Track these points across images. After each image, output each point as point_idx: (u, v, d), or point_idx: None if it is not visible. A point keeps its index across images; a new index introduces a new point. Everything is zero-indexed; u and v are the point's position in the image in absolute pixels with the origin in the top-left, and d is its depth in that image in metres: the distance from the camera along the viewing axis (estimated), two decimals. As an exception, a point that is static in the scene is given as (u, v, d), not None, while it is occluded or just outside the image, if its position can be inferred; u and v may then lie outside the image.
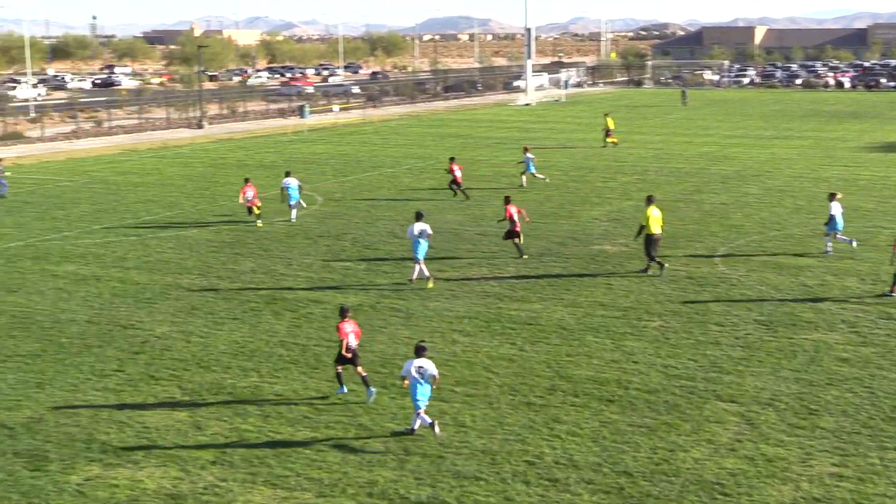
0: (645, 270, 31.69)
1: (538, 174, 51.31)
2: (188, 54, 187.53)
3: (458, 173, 46.33)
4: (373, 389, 21.06)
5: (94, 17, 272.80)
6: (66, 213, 44.18)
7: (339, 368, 21.25)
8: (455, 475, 17.62)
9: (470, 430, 19.56)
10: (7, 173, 47.16)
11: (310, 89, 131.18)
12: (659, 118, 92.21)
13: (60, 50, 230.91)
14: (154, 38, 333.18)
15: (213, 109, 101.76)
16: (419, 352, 19.22)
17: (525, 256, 33.97)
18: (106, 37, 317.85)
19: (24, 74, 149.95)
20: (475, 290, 29.91)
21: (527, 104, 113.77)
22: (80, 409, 20.62)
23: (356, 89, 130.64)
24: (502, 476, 17.59)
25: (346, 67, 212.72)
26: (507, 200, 34.38)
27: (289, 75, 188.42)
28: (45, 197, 48.96)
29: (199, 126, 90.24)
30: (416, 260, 30.51)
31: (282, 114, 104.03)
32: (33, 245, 37.27)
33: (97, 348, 24.70)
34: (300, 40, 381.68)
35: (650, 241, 31.32)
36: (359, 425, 19.78)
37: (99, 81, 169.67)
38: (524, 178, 50.47)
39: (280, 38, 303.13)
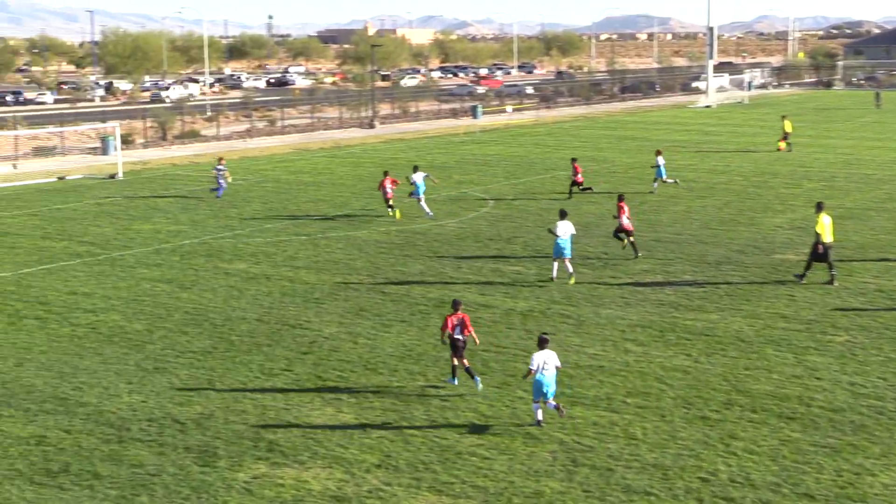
0: (801, 277, 30.97)
1: (668, 178, 50.37)
2: (361, 53, 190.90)
3: (579, 175, 47.98)
4: (479, 379, 22.01)
5: (271, 17, 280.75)
6: (239, 212, 45.59)
7: (455, 361, 22.01)
8: (625, 489, 17.39)
9: (641, 443, 19.30)
10: (225, 173, 48.92)
11: (482, 89, 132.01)
12: (849, 121, 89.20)
13: (237, 49, 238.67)
14: (328, 38, 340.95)
15: (384, 109, 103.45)
16: (542, 344, 20.10)
17: (640, 255, 34.51)
18: (281, 36, 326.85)
19: (203, 74, 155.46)
20: (649, 298, 29.52)
21: (707, 106, 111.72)
22: (248, 407, 21.21)
23: (529, 90, 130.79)
24: (674, 492, 17.28)
25: (519, 67, 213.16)
26: (621, 198, 35.12)
27: (471, 74, 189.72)
28: (227, 193, 50.61)
29: (371, 126, 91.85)
30: (559, 258, 31.55)
31: (454, 114, 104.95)
32: (207, 243, 38.58)
33: (266, 347, 25.38)
34: (474, 39, 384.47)
35: (820, 250, 30.58)
36: (526, 434, 19.74)
37: (273, 81, 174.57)
38: (656, 183, 49.62)
39: (454, 37, 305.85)
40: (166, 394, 22.05)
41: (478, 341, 22.93)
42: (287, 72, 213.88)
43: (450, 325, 21.96)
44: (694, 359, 24.14)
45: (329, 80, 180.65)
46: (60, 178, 57.39)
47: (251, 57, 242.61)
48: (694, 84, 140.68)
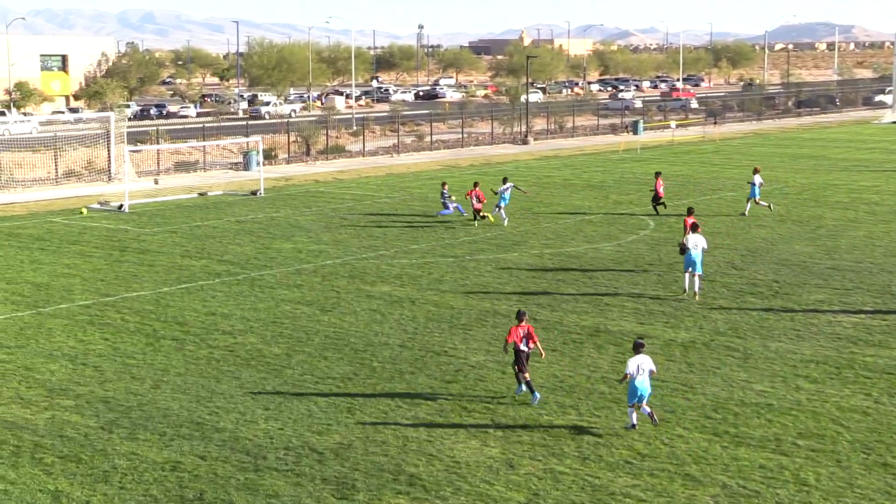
0: None
1: (762, 201, 49.72)
2: (515, 65, 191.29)
3: (660, 189, 49.28)
4: (538, 395, 23.28)
5: (421, 27, 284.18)
6: (384, 232, 46.14)
7: (525, 376, 23.40)
8: (794, 540, 16.92)
9: (814, 489, 18.76)
10: (451, 197, 49.86)
11: (638, 103, 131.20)
12: None
13: (385, 60, 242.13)
14: (480, 48, 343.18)
15: (539, 124, 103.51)
16: (637, 348, 21.91)
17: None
18: (431, 47, 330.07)
19: (349, 86, 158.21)
20: (824, 331, 28.75)
21: (893, 122, 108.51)
22: (389, 438, 21.36)
23: (694, 103, 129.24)
24: (850, 546, 16.73)
25: (685, 80, 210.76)
26: (689, 212, 36.93)
27: (633, 87, 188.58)
28: (363, 214, 51.38)
29: (524, 142, 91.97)
30: (690, 272, 33.05)
31: (613, 130, 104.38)
32: (350, 263, 39.14)
33: (409, 375, 25.55)
34: (636, 50, 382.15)
35: None
36: (685, 475, 19.40)
37: (422, 93, 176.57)
38: (748, 204, 49.19)
39: (614, 47, 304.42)
40: (304, 421, 22.39)
41: (543, 354, 24.19)
42: (437, 84, 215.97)
43: (515, 335, 23.32)
44: (874, 399, 23.38)
45: (481, 92, 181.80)
46: (201, 194, 59.02)
47: (400, 68, 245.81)
48: (878, 98, 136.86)
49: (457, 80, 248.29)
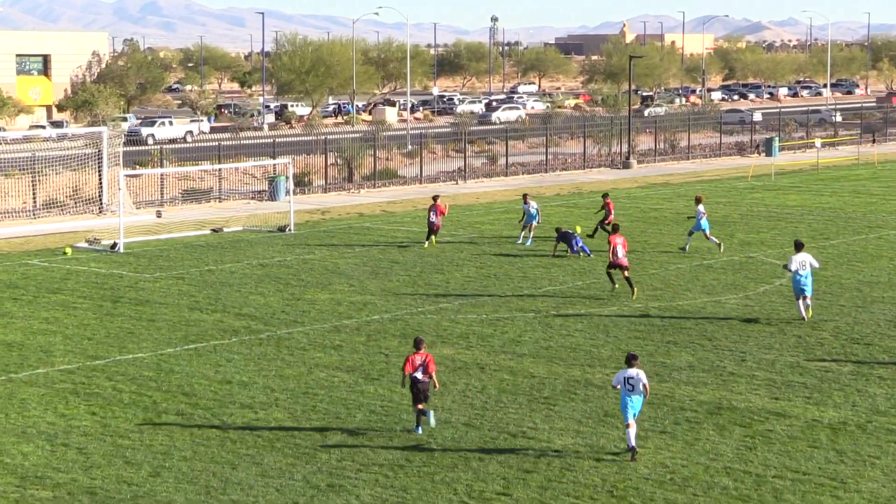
0: None
1: (711, 236, 51.83)
2: (615, 67, 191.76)
3: (611, 215, 54.07)
4: (422, 427, 26.96)
5: (495, 20, 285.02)
6: (446, 278, 46.22)
7: (417, 407, 27.01)
8: None
9: None
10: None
11: (758, 116, 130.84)
12: None
13: (450, 62, 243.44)
14: (570, 46, 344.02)
15: (644, 143, 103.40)
16: (630, 361, 25.81)
17: (636, 293, 41.56)
18: (508, 44, 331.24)
19: (403, 94, 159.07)
20: None
21: None
22: (450, 543, 21.30)
23: (838, 117, 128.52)
24: None
25: (834, 85, 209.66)
26: (615, 230, 43.03)
27: (764, 94, 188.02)
28: (419, 255, 51.51)
29: (626, 165, 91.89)
30: (799, 296, 37.37)
31: (740, 150, 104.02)
32: (402, 319, 39.19)
33: (476, 461, 25.49)
34: (770, 48, 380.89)
35: None
36: None
37: (496, 103, 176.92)
38: (689, 237, 52.41)
39: (742, 44, 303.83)
40: (342, 520, 22.40)
41: (437, 385, 27.73)
42: (514, 91, 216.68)
43: (412, 365, 26.86)
44: None
45: (570, 102, 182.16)
46: (215, 231, 59.49)
47: (467, 72, 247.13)
48: None
49: (540, 86, 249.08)
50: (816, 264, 37.71)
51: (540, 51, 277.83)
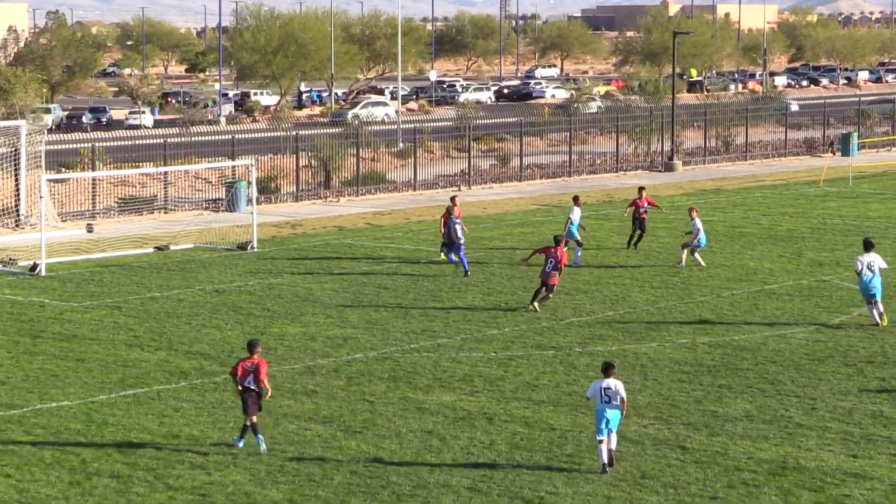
0: None
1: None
2: (655, 46, 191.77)
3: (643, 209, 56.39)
4: (261, 437, 29.87)
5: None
6: (446, 310, 46.15)
7: (251, 420, 29.92)
8: None
9: None
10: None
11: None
12: None
13: (451, 40, 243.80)
14: (600, 20, 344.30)
15: (691, 139, 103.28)
16: (607, 370, 28.54)
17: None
18: (523, 18, 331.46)
19: (393, 80, 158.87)
20: None
21: None
22: None
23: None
24: None
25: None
26: (557, 241, 46.34)
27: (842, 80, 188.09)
28: (412, 279, 51.51)
29: (668, 167, 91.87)
30: (870, 300, 40.73)
31: (810, 149, 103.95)
32: (392, 358, 39.15)
33: (483, 535, 25.42)
34: (847, 21, 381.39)
35: None
36: None
37: (509, 91, 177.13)
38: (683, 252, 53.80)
39: (811, 17, 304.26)
40: None
41: (269, 394, 30.40)
42: (531, 76, 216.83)
43: (241, 371, 29.88)
44: None
45: (600, 89, 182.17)
46: (160, 249, 59.47)
47: (473, 52, 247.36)
48: None
49: (562, 69, 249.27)
50: (884, 265, 40.21)
51: (562, 25, 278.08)
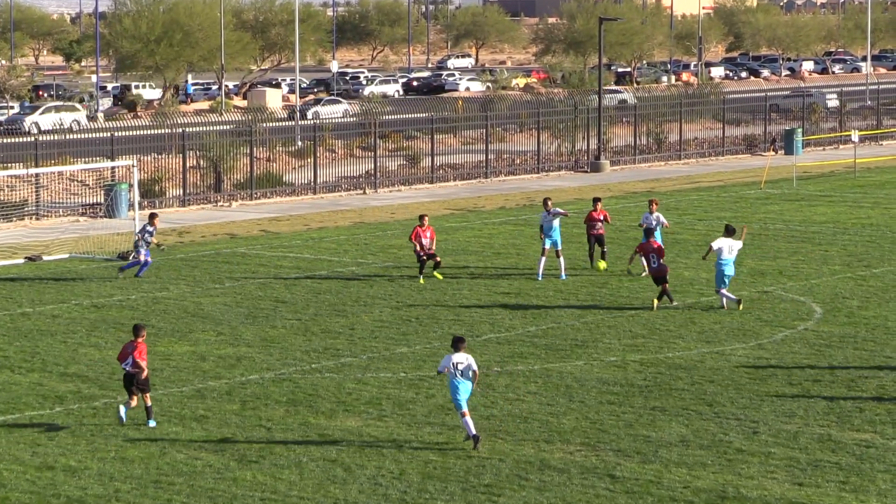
0: None
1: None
2: (579, 34, 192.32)
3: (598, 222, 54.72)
4: (154, 422, 34.30)
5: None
6: (350, 325, 46.16)
7: (133, 401, 34.50)
8: None
9: None
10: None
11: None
12: None
13: (354, 27, 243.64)
14: (519, 4, 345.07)
15: (619, 136, 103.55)
16: (456, 344, 32.67)
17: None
18: (434, 2, 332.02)
19: (290, 71, 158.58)
20: None
21: None
22: None
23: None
24: None
25: (874, 58, 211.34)
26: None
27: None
28: (312, 292, 51.51)
29: (595, 168, 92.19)
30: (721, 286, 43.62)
31: (750, 147, 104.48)
32: (291, 379, 39.11)
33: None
34: (790, 6, 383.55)
35: None
36: None
37: (419, 83, 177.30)
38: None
39: (751, 2, 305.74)
40: None
41: (145, 374, 34.30)
42: (443, 67, 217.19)
43: (123, 354, 34.77)
44: None
45: (519, 81, 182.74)
46: (31, 259, 59.12)
47: (379, 40, 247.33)
48: None
49: (477, 59, 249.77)
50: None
51: (477, 11, 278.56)
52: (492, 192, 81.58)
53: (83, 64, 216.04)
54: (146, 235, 54.29)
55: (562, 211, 53.97)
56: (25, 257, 59.44)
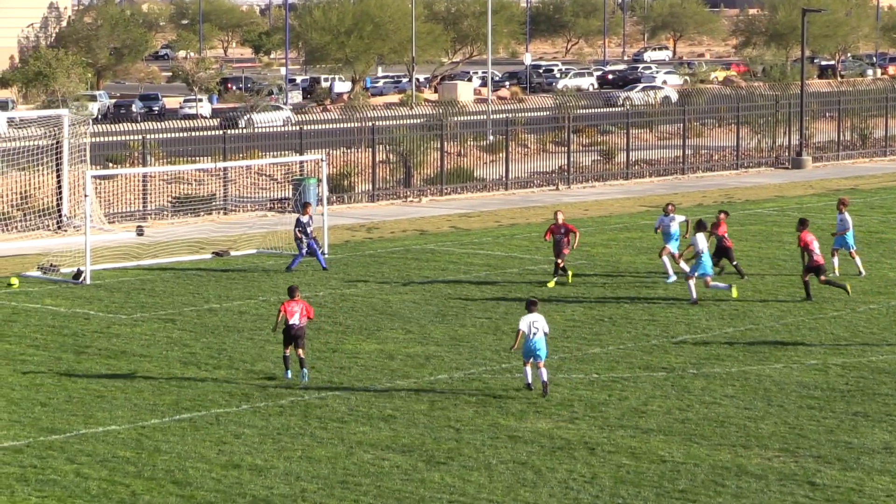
0: None
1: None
2: (781, 26, 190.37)
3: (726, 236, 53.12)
4: (306, 371, 38.43)
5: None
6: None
7: (287, 351, 38.39)
8: None
9: None
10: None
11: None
12: None
13: (548, 19, 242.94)
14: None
15: (823, 131, 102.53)
16: (530, 306, 37.13)
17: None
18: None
19: (482, 64, 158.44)
20: None
21: None
22: None
23: None
24: None
25: None
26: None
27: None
28: (504, 290, 51.56)
29: (796, 164, 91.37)
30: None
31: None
32: (481, 378, 39.17)
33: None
34: None
35: None
36: None
37: (614, 76, 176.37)
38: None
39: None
40: None
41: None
42: (639, 60, 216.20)
43: (287, 312, 38.32)
44: None
45: (718, 75, 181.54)
46: (218, 255, 59.64)
47: (573, 33, 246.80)
48: None
49: (675, 52, 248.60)
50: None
51: (675, 2, 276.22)
52: (688, 188, 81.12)
53: (272, 56, 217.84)
54: (306, 228, 55.26)
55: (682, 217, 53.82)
56: (213, 252, 59.95)
